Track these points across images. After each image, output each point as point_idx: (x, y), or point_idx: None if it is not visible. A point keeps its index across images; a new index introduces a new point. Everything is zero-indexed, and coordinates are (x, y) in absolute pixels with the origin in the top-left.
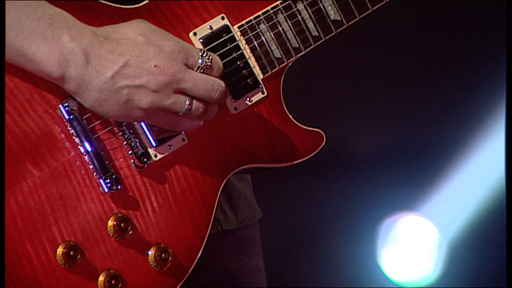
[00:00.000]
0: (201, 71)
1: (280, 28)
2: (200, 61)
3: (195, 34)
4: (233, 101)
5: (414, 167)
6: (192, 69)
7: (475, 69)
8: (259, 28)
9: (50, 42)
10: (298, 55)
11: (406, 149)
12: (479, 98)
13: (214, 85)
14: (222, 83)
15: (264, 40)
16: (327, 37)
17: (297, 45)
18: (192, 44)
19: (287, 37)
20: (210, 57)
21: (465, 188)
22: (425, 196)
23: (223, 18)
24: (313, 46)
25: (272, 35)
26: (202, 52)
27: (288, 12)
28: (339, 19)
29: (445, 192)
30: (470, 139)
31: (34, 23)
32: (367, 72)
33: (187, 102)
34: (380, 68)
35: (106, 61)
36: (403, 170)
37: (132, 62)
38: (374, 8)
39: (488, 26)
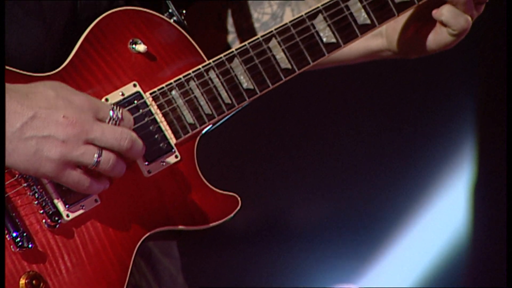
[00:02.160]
0: (112, 123)
1: (192, 95)
2: (111, 113)
3: (106, 100)
4: (146, 164)
5: (353, 239)
6: (102, 121)
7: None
8: (170, 94)
9: None
10: (211, 121)
11: (344, 221)
12: (414, 180)
13: (123, 134)
14: (132, 133)
15: (176, 105)
16: (240, 105)
17: (210, 112)
18: None
19: (199, 103)
20: (121, 110)
21: (405, 260)
22: (364, 268)
23: (135, 85)
24: (227, 113)
25: (184, 101)
26: (113, 106)
27: (200, 80)
28: (252, 88)
29: (384, 264)
30: (410, 210)
31: None
32: (290, 138)
33: (96, 154)
34: (303, 136)
35: (15, 113)
36: (342, 242)
37: (40, 114)
38: (288, 78)
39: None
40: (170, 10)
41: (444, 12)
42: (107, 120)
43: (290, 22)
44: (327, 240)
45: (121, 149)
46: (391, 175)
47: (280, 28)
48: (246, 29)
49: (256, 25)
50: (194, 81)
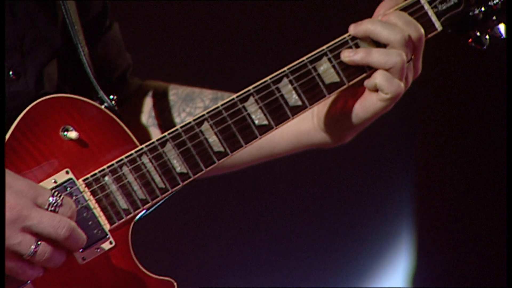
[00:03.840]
0: (52, 209)
1: (125, 180)
2: (51, 199)
3: None
4: (80, 250)
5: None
6: (42, 208)
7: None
8: (103, 180)
9: None
10: (145, 206)
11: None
12: None
13: (61, 222)
14: (71, 221)
15: (109, 191)
16: (174, 189)
17: (144, 197)
18: None
19: (133, 188)
20: (62, 196)
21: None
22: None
23: (67, 172)
24: (161, 197)
25: (117, 187)
26: (53, 191)
27: (133, 165)
28: (185, 171)
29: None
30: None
31: None
32: (223, 220)
33: (33, 245)
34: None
35: None
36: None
37: None
38: (220, 161)
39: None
40: (100, 96)
41: (377, 76)
42: (46, 206)
43: (221, 105)
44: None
45: (59, 237)
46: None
47: (212, 112)
48: (178, 123)
49: (188, 118)
50: (127, 167)
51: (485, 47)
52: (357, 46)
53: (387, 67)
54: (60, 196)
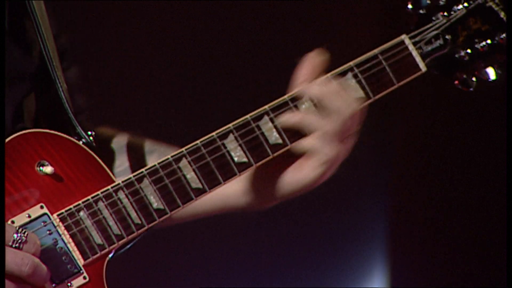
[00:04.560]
0: (16, 245)
1: (100, 216)
2: (15, 235)
3: (13, 222)
4: (53, 286)
5: None
6: (6, 244)
7: None
8: (78, 215)
9: None
10: (120, 241)
11: None
12: None
13: (24, 259)
14: (35, 258)
15: (84, 226)
16: (150, 225)
17: (119, 232)
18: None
19: (108, 224)
20: (26, 233)
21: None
22: None
23: (42, 207)
24: (137, 233)
25: (92, 222)
26: (18, 228)
27: (109, 201)
28: (162, 207)
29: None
30: None
31: None
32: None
33: None
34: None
35: None
36: None
37: None
38: (198, 198)
39: None
40: (77, 131)
41: (311, 140)
42: (10, 243)
43: (200, 141)
44: None
45: (22, 274)
46: None
47: (191, 148)
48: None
49: None
50: (103, 202)
51: (471, 89)
52: (296, 107)
53: (324, 130)
54: (24, 233)
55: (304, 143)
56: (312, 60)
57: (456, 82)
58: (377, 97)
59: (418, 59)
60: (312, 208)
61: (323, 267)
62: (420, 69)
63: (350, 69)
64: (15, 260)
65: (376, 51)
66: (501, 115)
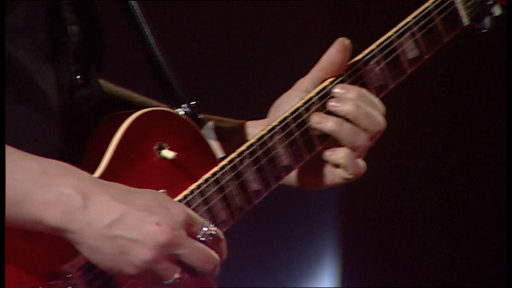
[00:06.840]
0: (203, 239)
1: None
2: (205, 229)
3: None
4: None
5: None
6: (193, 237)
7: None
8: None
9: (44, 190)
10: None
11: None
12: None
13: (211, 258)
14: (218, 258)
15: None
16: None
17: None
18: None
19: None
20: (214, 229)
21: None
22: None
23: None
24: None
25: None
26: (208, 223)
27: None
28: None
29: None
30: None
31: (26, 174)
32: None
33: (177, 275)
34: None
35: (107, 207)
36: None
37: (133, 214)
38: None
39: None
40: (181, 105)
41: (342, 156)
42: (198, 236)
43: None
44: None
45: (202, 272)
46: None
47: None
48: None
49: None
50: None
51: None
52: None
53: (354, 147)
54: (213, 229)
55: (334, 157)
56: (342, 44)
57: (479, 26)
58: (427, 56)
59: (462, 13)
60: (261, 207)
61: (274, 266)
62: (463, 24)
63: (408, 28)
64: (203, 257)
65: (429, 5)
66: (501, 115)
